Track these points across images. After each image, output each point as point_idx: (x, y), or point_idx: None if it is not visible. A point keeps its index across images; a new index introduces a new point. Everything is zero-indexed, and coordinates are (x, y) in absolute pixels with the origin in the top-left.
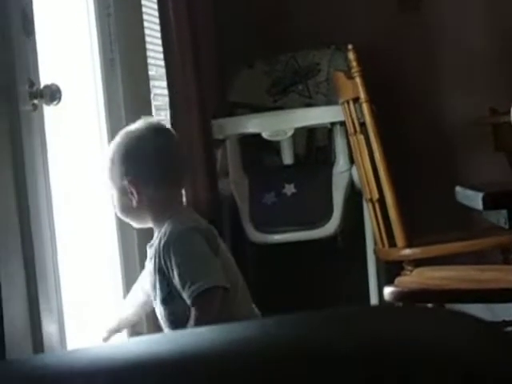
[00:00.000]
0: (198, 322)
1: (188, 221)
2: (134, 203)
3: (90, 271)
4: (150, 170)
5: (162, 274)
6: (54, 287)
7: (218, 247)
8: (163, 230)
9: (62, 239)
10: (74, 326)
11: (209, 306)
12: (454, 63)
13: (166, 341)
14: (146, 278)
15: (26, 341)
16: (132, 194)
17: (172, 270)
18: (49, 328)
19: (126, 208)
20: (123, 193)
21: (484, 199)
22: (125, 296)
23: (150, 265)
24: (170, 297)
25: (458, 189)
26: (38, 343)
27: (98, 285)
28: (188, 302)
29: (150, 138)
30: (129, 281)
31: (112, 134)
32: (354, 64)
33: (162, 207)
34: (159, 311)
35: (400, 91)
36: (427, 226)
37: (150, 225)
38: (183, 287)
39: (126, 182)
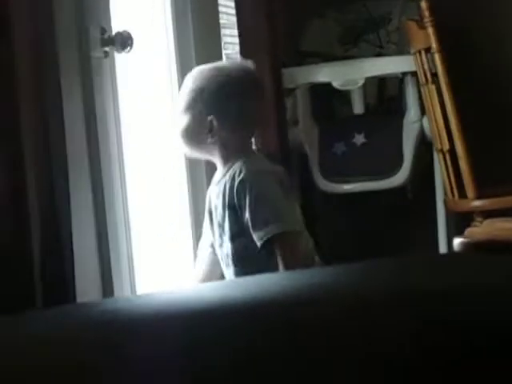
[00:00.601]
0: (286, 262)
1: (263, 163)
2: (209, 139)
3: (159, 214)
4: (236, 113)
5: (233, 210)
6: (124, 230)
7: (290, 193)
8: (237, 169)
9: (132, 183)
10: (143, 273)
11: (290, 248)
12: None
13: (236, 286)
14: (209, 223)
15: (96, 285)
16: (210, 131)
17: (245, 207)
18: (119, 273)
19: (196, 140)
20: (199, 125)
21: None
22: (194, 239)
23: (216, 201)
24: (239, 234)
25: None
26: (107, 287)
27: (168, 229)
28: (258, 243)
29: (240, 81)
30: (197, 223)
31: (182, 83)
32: (427, 13)
33: (235, 148)
34: (225, 249)
35: (474, 41)
36: (498, 177)
37: (213, 159)
38: (254, 227)
39: (208, 118)
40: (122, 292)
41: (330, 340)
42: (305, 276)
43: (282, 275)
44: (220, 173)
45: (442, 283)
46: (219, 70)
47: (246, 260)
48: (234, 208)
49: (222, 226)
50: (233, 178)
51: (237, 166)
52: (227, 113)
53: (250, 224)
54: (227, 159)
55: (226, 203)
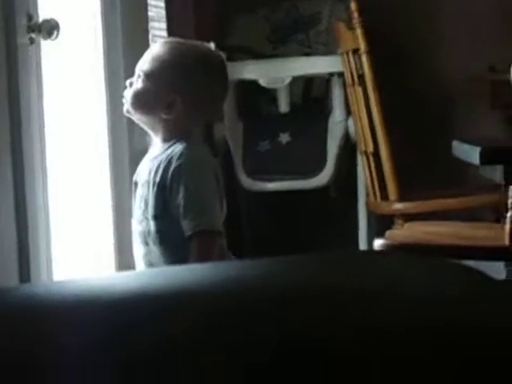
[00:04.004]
0: (199, 259)
1: (204, 153)
2: (162, 115)
3: (79, 202)
4: (204, 99)
5: (162, 190)
6: (44, 215)
7: (221, 187)
8: (177, 151)
9: (54, 170)
10: (61, 260)
11: (210, 246)
12: (457, 18)
13: (161, 275)
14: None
15: (13, 271)
16: (169, 107)
17: (177, 192)
18: (37, 259)
19: (148, 109)
20: (159, 98)
21: (481, 154)
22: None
23: (146, 176)
24: (163, 215)
25: (454, 143)
26: (24, 274)
27: (88, 215)
28: (187, 232)
29: (217, 68)
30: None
31: (109, 73)
32: (356, 15)
33: (184, 130)
34: (145, 226)
35: (400, 44)
36: (421, 181)
37: (152, 132)
38: (185, 216)
39: (171, 95)
40: (39, 279)
41: (247, 328)
42: (230, 267)
43: (208, 266)
44: (157, 149)
45: (358, 281)
46: (198, 49)
47: (169, 241)
48: (163, 188)
49: (146, 202)
50: (170, 160)
51: (178, 149)
52: (196, 97)
53: (181, 211)
54: (170, 137)
55: (157, 182)
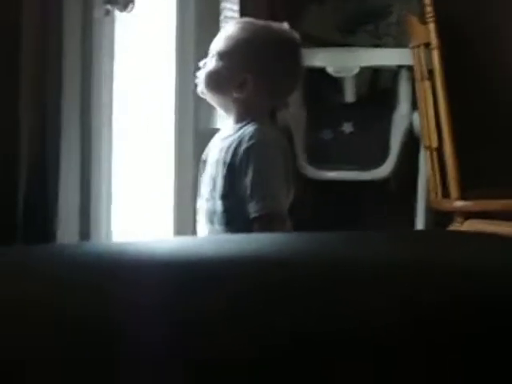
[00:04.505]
0: None
1: (275, 134)
2: (234, 94)
3: (143, 178)
4: (276, 81)
5: (231, 170)
6: (107, 179)
7: (290, 170)
8: (248, 132)
9: (120, 146)
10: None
11: (272, 230)
12: None
13: (216, 242)
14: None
15: (75, 227)
16: (240, 87)
17: (245, 173)
18: (98, 219)
19: (221, 89)
20: (231, 78)
21: None
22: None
23: (217, 155)
24: (231, 195)
25: None
26: (85, 230)
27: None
28: (252, 214)
29: (291, 50)
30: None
31: (179, 50)
32: (429, 9)
33: (256, 111)
34: (212, 205)
35: (473, 40)
36: (484, 180)
37: (225, 111)
38: (251, 198)
39: (243, 74)
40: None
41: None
42: (298, 239)
43: (273, 236)
44: (230, 129)
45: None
46: (270, 28)
47: (234, 222)
48: (233, 169)
49: (214, 181)
50: (241, 140)
51: (249, 130)
52: (267, 77)
53: (248, 192)
54: (243, 118)
55: (227, 161)
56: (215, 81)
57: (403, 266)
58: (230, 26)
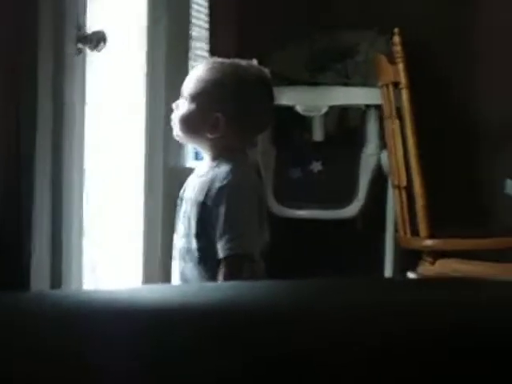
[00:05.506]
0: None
1: (249, 174)
2: (208, 134)
3: (113, 213)
4: (247, 117)
5: (205, 209)
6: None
7: (264, 211)
8: (223, 171)
9: (91, 182)
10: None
11: (238, 271)
12: (504, 56)
13: (177, 292)
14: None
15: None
16: (214, 127)
17: (217, 213)
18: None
19: (195, 131)
20: (204, 119)
21: None
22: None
23: (192, 193)
24: (204, 234)
25: (509, 182)
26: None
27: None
28: (220, 254)
29: (259, 84)
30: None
31: (150, 88)
32: (398, 48)
33: (231, 149)
34: (186, 243)
35: (441, 78)
36: (453, 217)
37: (203, 151)
38: (220, 238)
39: (215, 114)
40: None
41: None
42: (230, 288)
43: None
44: (206, 167)
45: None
46: (239, 67)
47: (207, 261)
48: (206, 208)
49: (189, 220)
50: (215, 180)
51: (224, 168)
52: (238, 114)
53: (218, 232)
54: (218, 157)
55: (201, 200)
56: (189, 123)
57: (336, 311)
58: (200, 67)
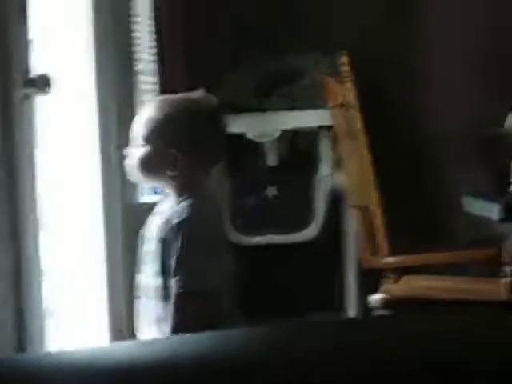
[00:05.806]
0: (178, 323)
1: (208, 211)
2: (169, 173)
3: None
4: (203, 150)
5: (164, 245)
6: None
7: (223, 243)
8: (183, 207)
9: (47, 226)
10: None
11: (187, 309)
12: (448, 75)
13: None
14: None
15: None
16: (172, 164)
17: (173, 250)
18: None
19: (155, 172)
20: (161, 159)
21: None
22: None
23: (154, 230)
24: (166, 271)
25: (465, 199)
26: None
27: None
28: (174, 290)
29: (210, 116)
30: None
31: (101, 128)
32: (346, 68)
33: (192, 184)
34: (151, 280)
35: (396, 99)
36: (412, 234)
37: (167, 189)
38: (175, 274)
39: (171, 152)
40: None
41: None
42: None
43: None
44: (170, 203)
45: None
46: (188, 101)
47: (171, 298)
48: (165, 245)
49: (151, 257)
50: (173, 215)
51: (182, 205)
52: (193, 149)
53: (172, 268)
54: (181, 193)
55: (162, 237)
56: (148, 166)
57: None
58: (149, 106)
